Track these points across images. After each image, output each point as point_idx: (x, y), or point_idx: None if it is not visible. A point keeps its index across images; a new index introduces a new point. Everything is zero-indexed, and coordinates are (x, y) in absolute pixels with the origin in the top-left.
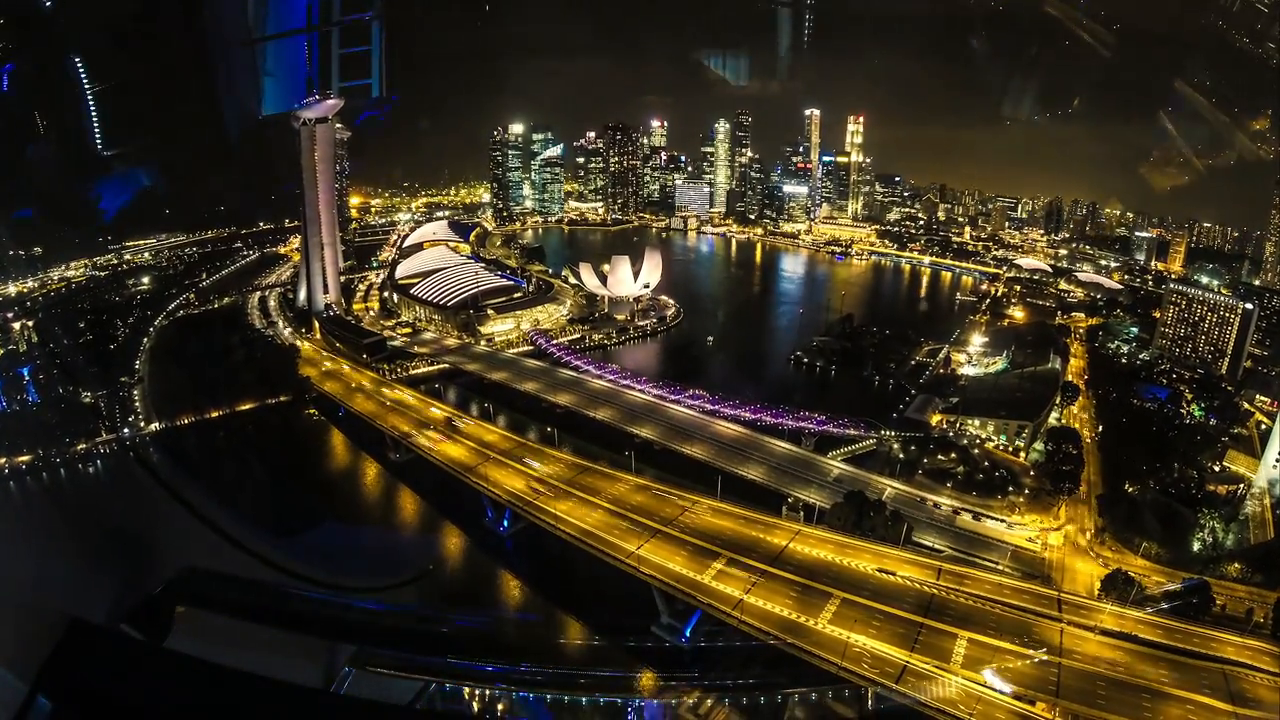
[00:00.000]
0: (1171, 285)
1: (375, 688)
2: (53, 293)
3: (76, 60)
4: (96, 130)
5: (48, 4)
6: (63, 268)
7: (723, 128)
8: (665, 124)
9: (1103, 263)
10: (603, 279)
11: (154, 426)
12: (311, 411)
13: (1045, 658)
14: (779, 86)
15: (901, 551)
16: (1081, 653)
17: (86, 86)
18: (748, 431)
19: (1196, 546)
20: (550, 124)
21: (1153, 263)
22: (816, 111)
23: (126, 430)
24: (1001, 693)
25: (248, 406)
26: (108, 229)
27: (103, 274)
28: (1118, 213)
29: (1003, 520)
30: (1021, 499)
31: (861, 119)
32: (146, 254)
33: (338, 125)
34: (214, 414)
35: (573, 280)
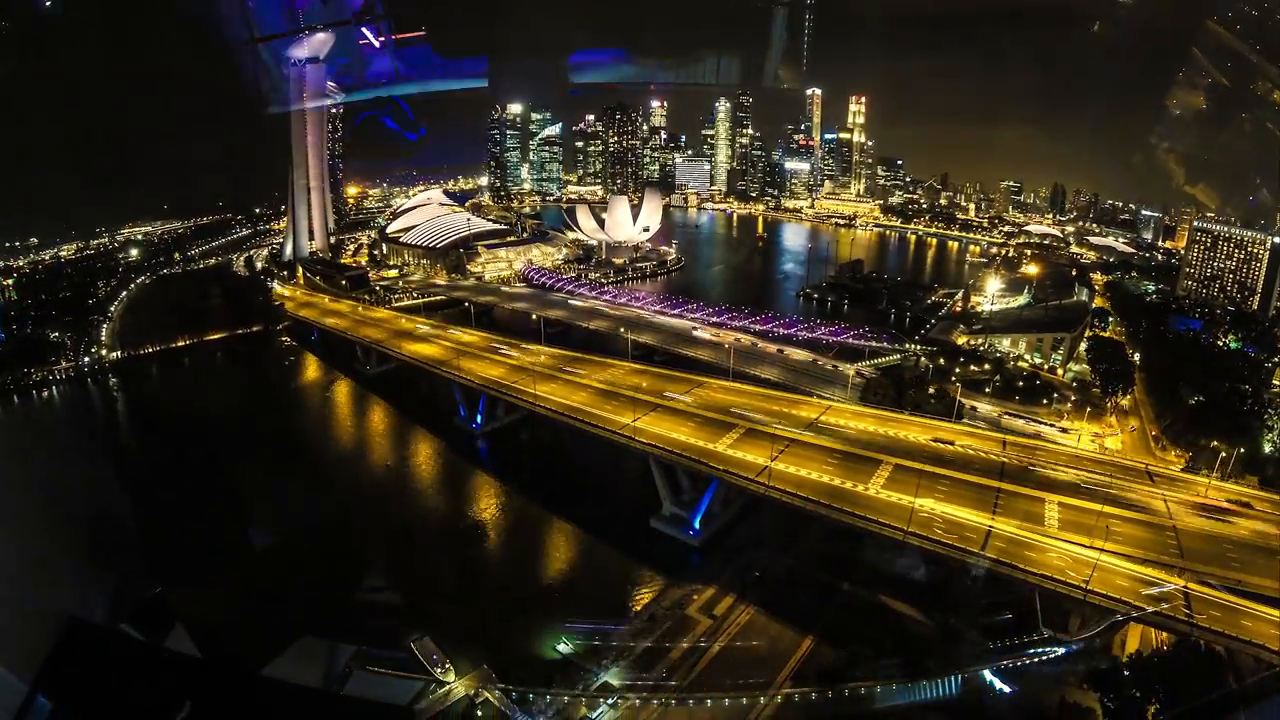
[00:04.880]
0: (1196, 223)
1: (375, 688)
2: (40, 265)
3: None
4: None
5: (47, 3)
6: (55, 249)
7: (723, 107)
8: (665, 104)
9: (1110, 240)
10: (601, 224)
11: (115, 355)
12: (284, 339)
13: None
14: (780, 72)
15: (956, 425)
16: (1192, 518)
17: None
18: (759, 341)
19: (1268, 448)
20: (549, 104)
21: (1160, 241)
22: (818, 91)
23: (86, 359)
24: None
25: (217, 336)
26: (104, 219)
27: (93, 252)
28: (1119, 204)
29: (1051, 425)
30: (1068, 406)
31: (863, 99)
32: (140, 237)
33: (330, 85)
34: (181, 343)
35: (571, 235)
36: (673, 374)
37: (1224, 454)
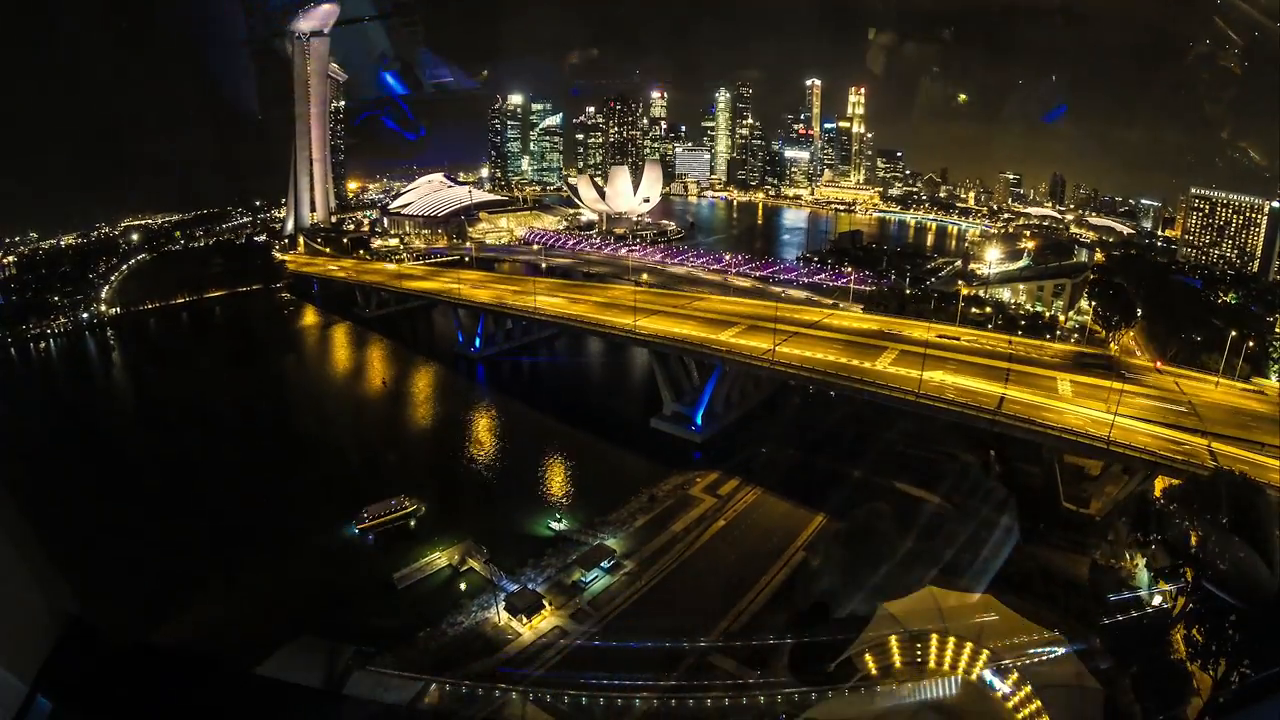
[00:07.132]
0: (1194, 191)
1: (375, 688)
2: (40, 250)
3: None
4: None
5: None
6: (55, 239)
7: (723, 97)
8: (665, 95)
9: (1109, 222)
10: (601, 195)
11: (113, 311)
12: (284, 294)
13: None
14: (780, 64)
15: (961, 328)
16: (1208, 398)
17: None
18: (760, 284)
19: (1274, 379)
20: (549, 94)
21: (1159, 230)
22: (818, 81)
23: (85, 315)
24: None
25: (217, 293)
26: (103, 216)
27: (93, 239)
28: (1118, 198)
29: None
30: (1071, 343)
31: (863, 90)
32: (139, 224)
33: (333, 67)
34: (180, 300)
35: (570, 210)
36: (674, 291)
37: (1235, 337)
